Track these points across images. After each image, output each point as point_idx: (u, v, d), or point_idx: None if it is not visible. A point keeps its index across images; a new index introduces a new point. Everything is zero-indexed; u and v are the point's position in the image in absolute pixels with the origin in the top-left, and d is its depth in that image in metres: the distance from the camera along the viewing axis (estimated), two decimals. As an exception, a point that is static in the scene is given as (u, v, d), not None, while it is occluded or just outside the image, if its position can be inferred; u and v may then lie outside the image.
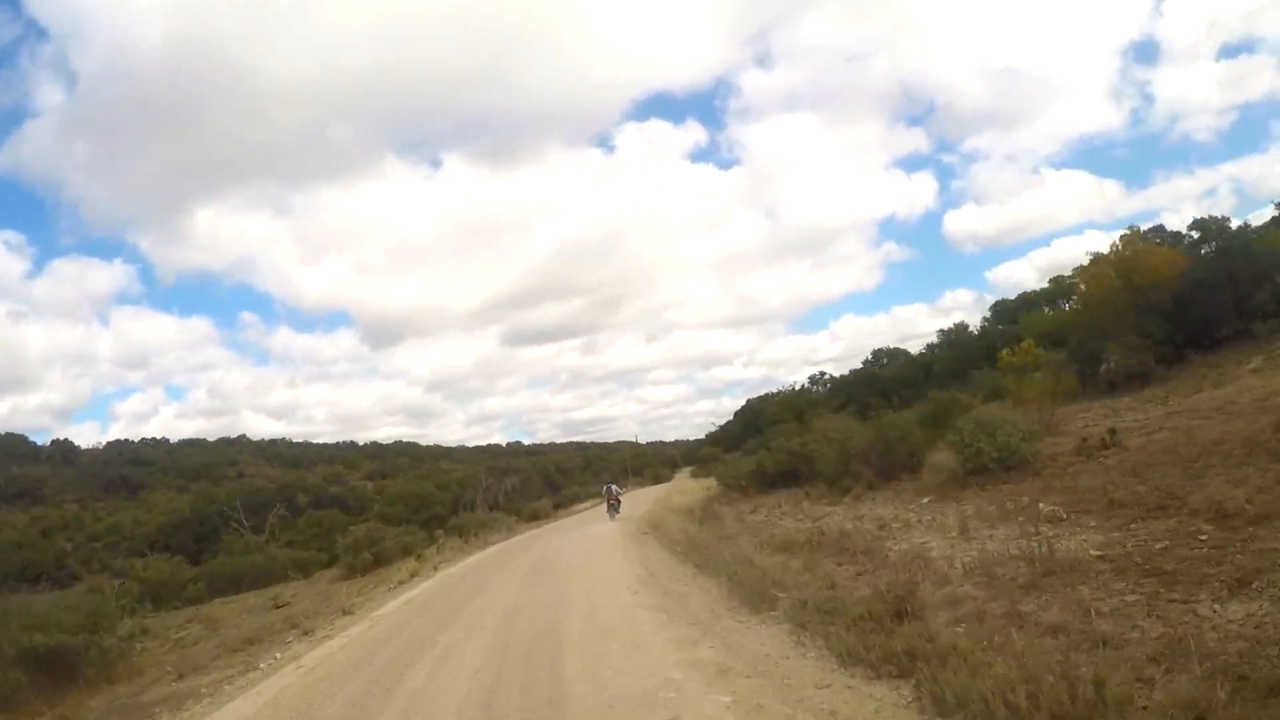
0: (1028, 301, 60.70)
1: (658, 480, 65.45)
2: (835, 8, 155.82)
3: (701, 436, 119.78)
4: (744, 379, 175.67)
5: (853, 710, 4.47)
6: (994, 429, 11.69)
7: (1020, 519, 8.59)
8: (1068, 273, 60.38)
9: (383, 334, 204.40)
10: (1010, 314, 55.61)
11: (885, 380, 52.03)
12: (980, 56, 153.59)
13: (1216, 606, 4.77)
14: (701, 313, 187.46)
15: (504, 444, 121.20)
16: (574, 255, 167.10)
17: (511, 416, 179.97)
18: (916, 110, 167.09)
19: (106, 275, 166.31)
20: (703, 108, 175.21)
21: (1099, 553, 6.50)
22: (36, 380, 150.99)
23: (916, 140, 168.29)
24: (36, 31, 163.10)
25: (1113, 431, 11.70)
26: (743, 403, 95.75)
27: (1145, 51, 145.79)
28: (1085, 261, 28.85)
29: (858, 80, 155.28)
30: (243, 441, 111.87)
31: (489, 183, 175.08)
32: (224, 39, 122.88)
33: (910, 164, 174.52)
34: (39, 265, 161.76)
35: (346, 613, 13.54)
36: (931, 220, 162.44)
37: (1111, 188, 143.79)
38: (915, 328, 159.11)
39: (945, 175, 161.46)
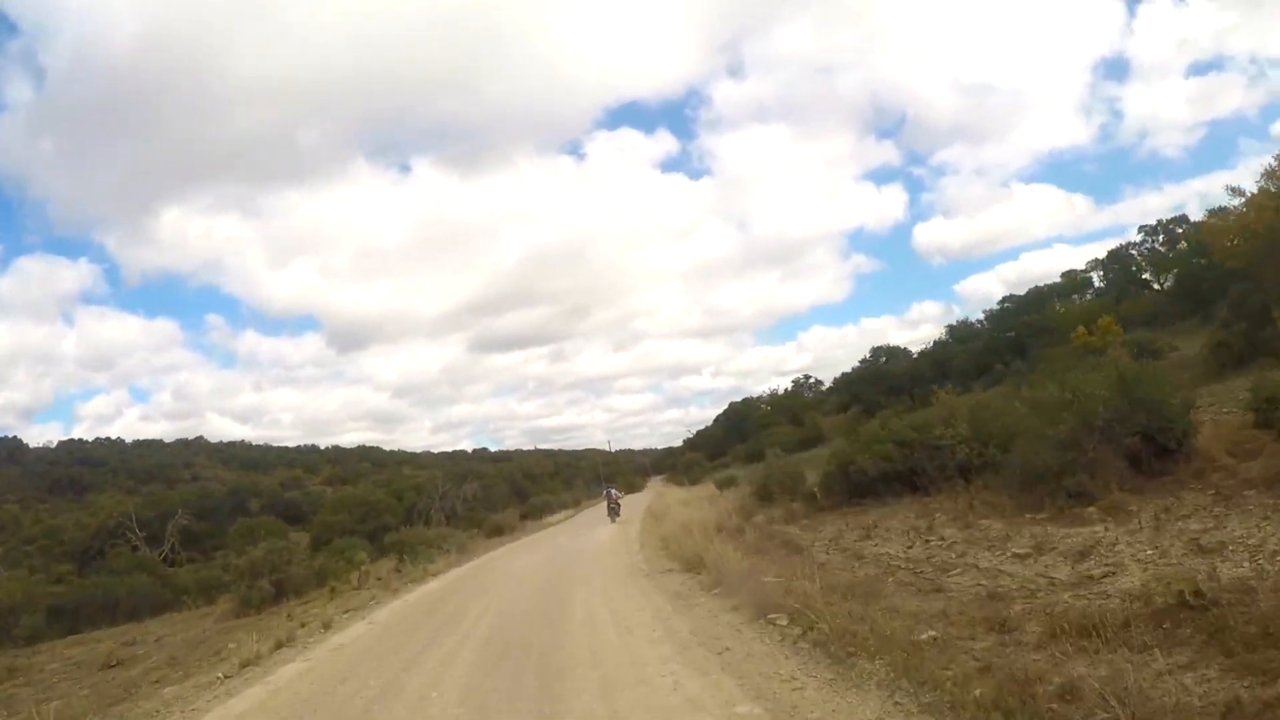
0: (1052, 293, 55.91)
1: (631, 489, 57.31)
2: (808, 19, 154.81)
3: (669, 446, 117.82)
4: (712, 389, 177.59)
5: None
6: None
7: None
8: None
9: (349, 338, 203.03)
10: (1030, 307, 50.21)
11: (896, 377, 46.06)
12: (952, 70, 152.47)
13: None
14: (670, 322, 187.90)
15: (470, 450, 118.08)
16: (543, 262, 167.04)
17: (479, 424, 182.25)
18: (887, 123, 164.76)
19: (72, 274, 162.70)
20: (674, 117, 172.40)
21: None
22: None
23: (887, 153, 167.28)
24: (6, 26, 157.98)
25: None
26: (724, 407, 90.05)
27: (1116, 68, 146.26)
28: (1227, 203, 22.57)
29: (829, 92, 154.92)
30: (200, 443, 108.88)
31: (458, 188, 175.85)
32: (194, 38, 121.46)
33: (880, 176, 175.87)
34: (3, 263, 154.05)
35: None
36: (901, 233, 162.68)
37: (1080, 202, 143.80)
38: (883, 339, 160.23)
39: (915, 188, 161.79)
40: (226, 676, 8.49)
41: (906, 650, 4.98)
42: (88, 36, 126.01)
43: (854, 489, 12.74)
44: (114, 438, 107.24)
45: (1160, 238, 52.63)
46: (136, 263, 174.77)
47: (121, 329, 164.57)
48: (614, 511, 27.58)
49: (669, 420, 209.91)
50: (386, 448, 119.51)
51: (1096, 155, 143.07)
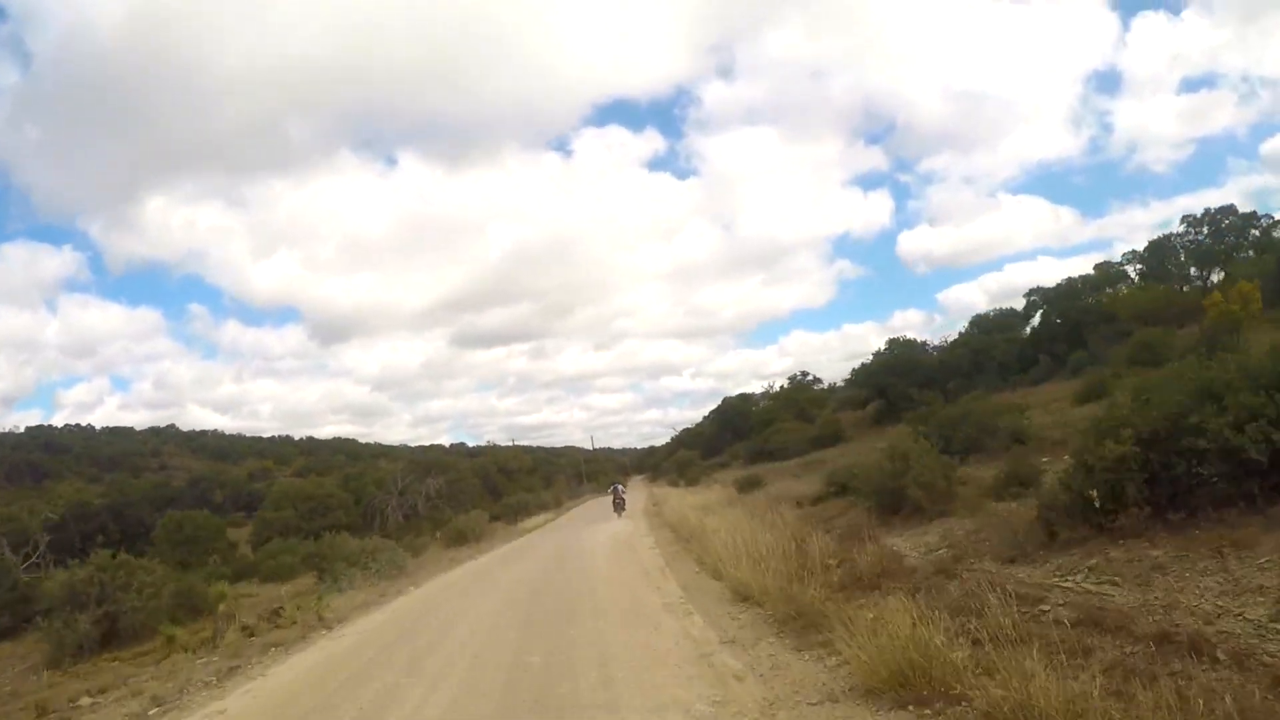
0: (1087, 285, 51.04)
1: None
2: (800, 23, 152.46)
3: (650, 445, 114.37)
4: (692, 390, 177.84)
5: None
6: None
7: None
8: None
9: (331, 331, 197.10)
10: (1072, 295, 45.06)
11: (929, 368, 40.56)
12: (943, 78, 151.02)
13: None
14: (652, 322, 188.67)
15: (448, 445, 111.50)
16: (526, 259, 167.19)
17: (458, 418, 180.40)
18: (876, 128, 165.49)
19: (55, 262, 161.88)
20: (663, 116, 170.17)
21: None
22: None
23: (875, 159, 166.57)
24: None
25: None
26: (705, 408, 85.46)
27: (1107, 81, 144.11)
28: None
29: (819, 96, 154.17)
30: (170, 432, 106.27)
31: (444, 182, 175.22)
32: (181, 27, 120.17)
33: (867, 182, 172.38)
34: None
35: None
36: (886, 239, 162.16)
37: (1066, 214, 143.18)
38: (865, 345, 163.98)
39: (902, 195, 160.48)
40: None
41: None
42: (75, 23, 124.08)
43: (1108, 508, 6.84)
44: (83, 424, 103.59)
45: (1206, 230, 48.26)
46: (120, 251, 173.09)
47: (104, 317, 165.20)
48: (619, 506, 28.74)
49: (648, 420, 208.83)
50: (364, 440, 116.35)
51: (1085, 168, 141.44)
